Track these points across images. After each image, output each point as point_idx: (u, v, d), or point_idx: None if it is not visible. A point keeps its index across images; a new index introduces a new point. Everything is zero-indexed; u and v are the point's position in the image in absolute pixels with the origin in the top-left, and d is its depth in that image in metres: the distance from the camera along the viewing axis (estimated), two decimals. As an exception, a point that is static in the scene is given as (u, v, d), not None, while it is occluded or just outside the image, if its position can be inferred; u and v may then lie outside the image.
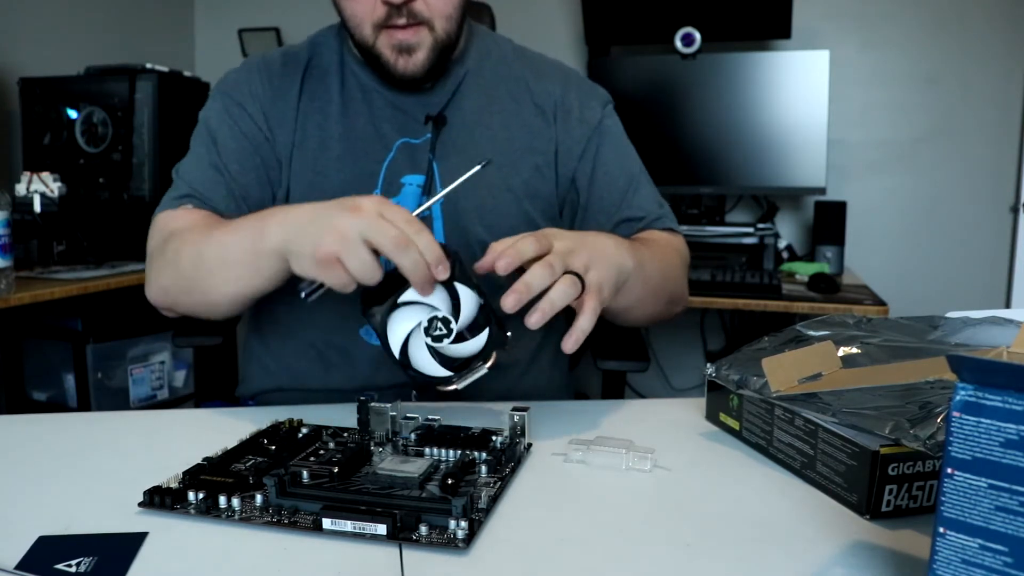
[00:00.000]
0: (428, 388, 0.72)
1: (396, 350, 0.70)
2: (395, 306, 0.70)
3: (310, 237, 0.70)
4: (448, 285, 0.70)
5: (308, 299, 0.72)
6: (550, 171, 1.03)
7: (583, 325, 0.73)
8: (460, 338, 0.70)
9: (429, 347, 0.70)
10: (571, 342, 0.73)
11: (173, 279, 0.89)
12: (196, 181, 0.96)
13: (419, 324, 0.69)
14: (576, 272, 0.73)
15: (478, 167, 0.78)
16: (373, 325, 0.70)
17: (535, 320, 0.69)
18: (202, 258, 0.84)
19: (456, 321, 0.69)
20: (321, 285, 0.72)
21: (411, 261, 0.67)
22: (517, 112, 1.02)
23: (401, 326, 0.70)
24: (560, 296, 0.70)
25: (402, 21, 0.89)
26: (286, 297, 1.02)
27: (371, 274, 0.68)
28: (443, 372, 0.70)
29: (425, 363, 0.70)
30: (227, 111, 0.99)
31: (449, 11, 0.91)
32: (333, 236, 0.68)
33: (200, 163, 0.97)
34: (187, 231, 0.89)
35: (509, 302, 0.68)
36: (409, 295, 0.69)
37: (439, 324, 0.69)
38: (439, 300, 0.69)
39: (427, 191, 0.97)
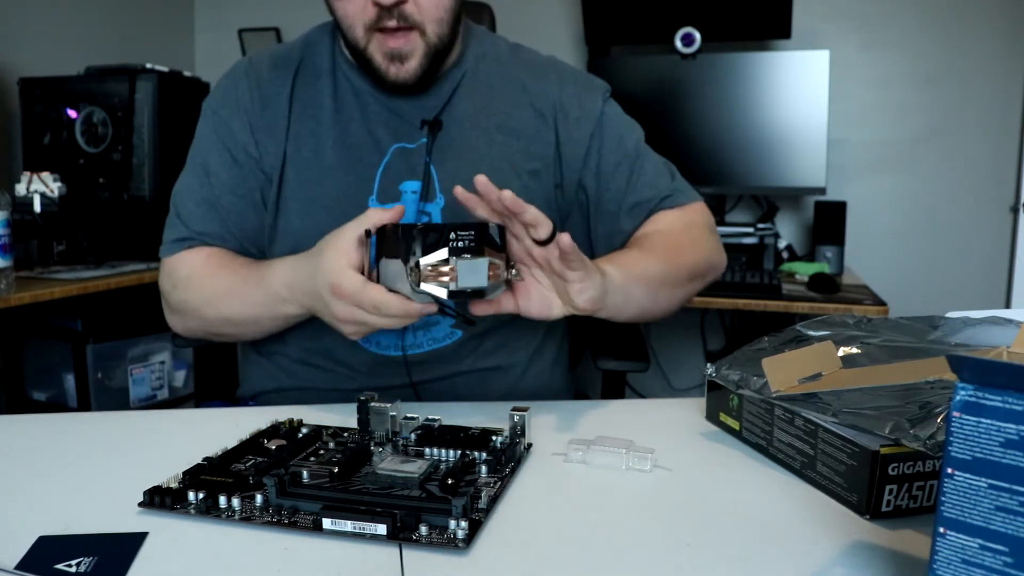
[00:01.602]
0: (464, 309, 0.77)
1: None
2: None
3: (327, 317, 0.81)
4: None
5: None
6: (548, 175, 1.01)
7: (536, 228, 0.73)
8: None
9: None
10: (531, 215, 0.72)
11: (201, 326, 0.99)
12: (192, 221, 0.99)
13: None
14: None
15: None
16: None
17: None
18: (228, 319, 0.95)
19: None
20: None
21: (400, 322, 0.77)
22: (514, 115, 1.01)
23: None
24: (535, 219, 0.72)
25: (392, 23, 0.88)
26: None
27: (380, 326, 0.77)
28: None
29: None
30: (217, 134, 0.99)
31: (440, 15, 0.90)
32: (346, 328, 0.79)
33: (194, 197, 0.99)
34: (198, 282, 0.96)
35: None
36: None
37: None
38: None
39: (424, 196, 0.96)
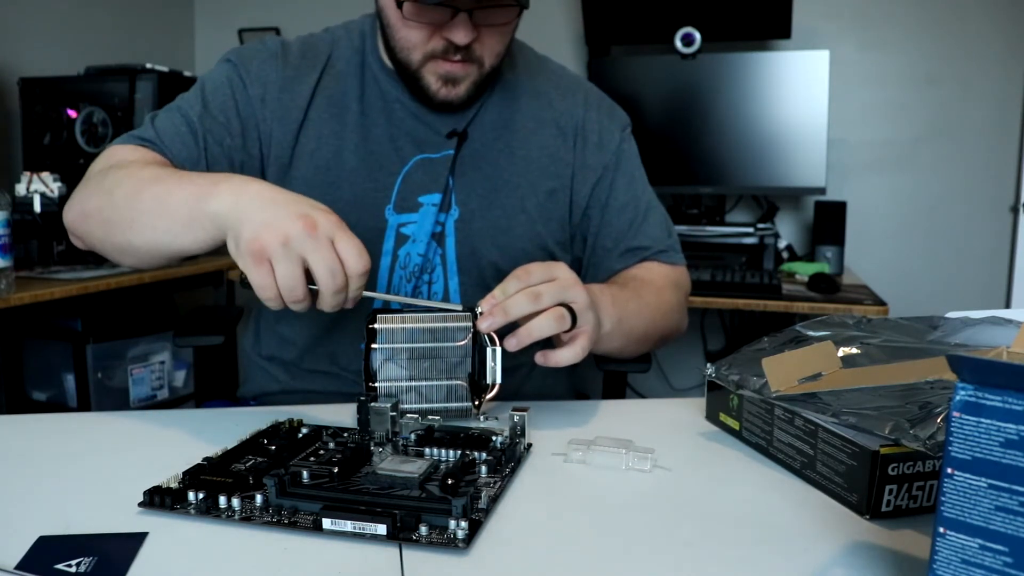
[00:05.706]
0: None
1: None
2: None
3: (254, 223, 0.66)
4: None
5: (244, 286, 0.70)
6: (565, 195, 1.01)
7: (563, 357, 0.75)
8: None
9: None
10: (541, 358, 0.75)
11: (99, 206, 0.83)
12: (167, 135, 0.91)
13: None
14: (572, 307, 0.74)
15: (458, 309, 0.75)
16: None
17: (511, 345, 0.72)
18: (140, 196, 0.78)
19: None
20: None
21: (332, 304, 0.68)
22: (537, 131, 1.01)
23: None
24: (540, 328, 0.72)
25: (457, 57, 0.89)
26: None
27: (293, 289, 0.66)
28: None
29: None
30: (231, 83, 0.94)
31: (500, 49, 0.92)
32: (275, 236, 0.64)
33: (178, 123, 0.92)
34: (136, 165, 0.84)
35: (483, 325, 0.71)
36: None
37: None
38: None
39: (442, 208, 0.96)
